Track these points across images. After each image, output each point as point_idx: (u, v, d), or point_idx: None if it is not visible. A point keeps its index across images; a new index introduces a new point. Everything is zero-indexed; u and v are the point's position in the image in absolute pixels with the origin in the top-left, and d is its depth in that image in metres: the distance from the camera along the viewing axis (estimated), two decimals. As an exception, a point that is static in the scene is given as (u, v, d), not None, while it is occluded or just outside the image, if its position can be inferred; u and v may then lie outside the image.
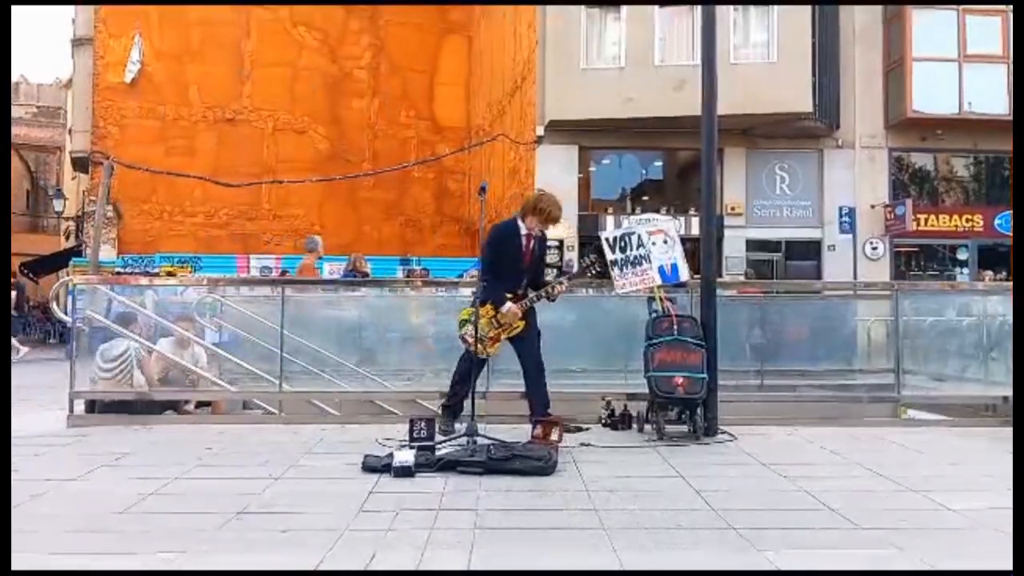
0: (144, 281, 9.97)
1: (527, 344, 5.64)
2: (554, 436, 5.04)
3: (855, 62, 16.82)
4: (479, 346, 5.36)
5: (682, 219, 15.70)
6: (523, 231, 5.66)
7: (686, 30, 15.25)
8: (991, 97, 15.80)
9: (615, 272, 6.18)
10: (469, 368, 5.46)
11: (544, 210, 5.65)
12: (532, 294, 5.64)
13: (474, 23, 23.28)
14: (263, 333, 7.80)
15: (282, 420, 6.38)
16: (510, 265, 5.59)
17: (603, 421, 6.07)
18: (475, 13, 23.02)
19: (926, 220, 16.80)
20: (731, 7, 15.17)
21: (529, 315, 5.66)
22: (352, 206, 22.75)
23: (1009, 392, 6.20)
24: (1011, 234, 16.04)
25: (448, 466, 4.43)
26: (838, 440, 5.53)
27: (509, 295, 5.59)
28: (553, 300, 5.76)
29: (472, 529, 3.37)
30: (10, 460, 4.50)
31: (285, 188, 20.86)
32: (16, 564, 2.85)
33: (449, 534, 3.30)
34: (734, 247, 16.53)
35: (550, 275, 6.88)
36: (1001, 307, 7.47)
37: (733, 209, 16.59)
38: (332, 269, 17.54)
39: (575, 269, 6.18)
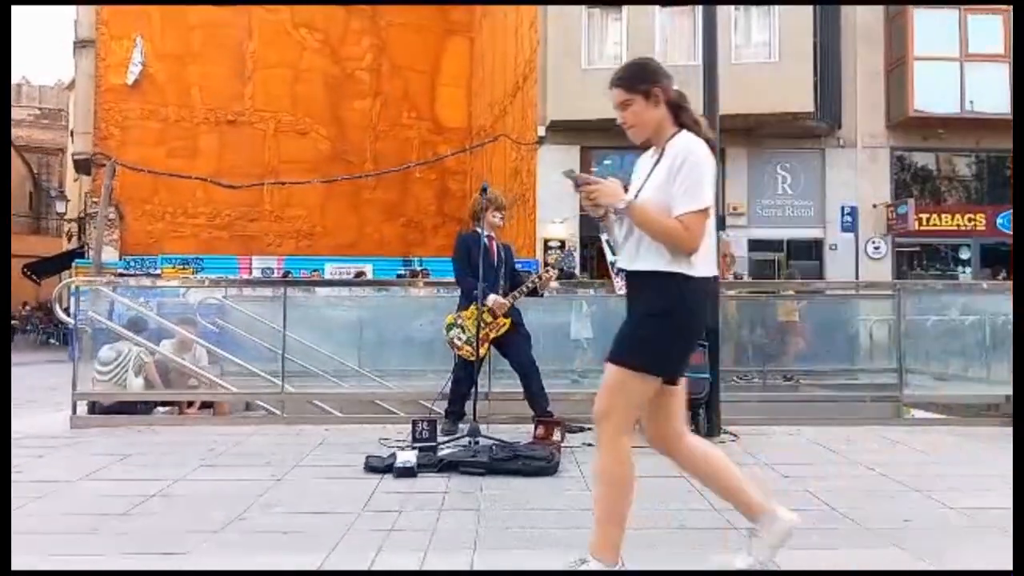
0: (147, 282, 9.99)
1: (516, 344, 5.65)
2: (556, 436, 5.05)
3: (857, 61, 16.79)
4: (468, 348, 5.44)
5: (683, 219, 15.67)
6: (484, 234, 5.72)
7: (687, 30, 15.24)
8: (993, 96, 15.75)
9: (614, 273, 6.19)
10: (463, 373, 5.50)
11: (494, 199, 5.83)
12: (514, 291, 5.69)
13: (475, 24, 23.29)
14: (264, 334, 7.81)
15: (284, 421, 6.38)
16: (483, 267, 5.61)
17: (605, 421, 6.05)
18: (476, 13, 23.04)
19: (928, 219, 16.77)
20: (732, 7, 15.15)
21: (514, 314, 5.68)
22: (354, 207, 22.79)
23: (1011, 391, 6.19)
24: (1012, 233, 16.03)
25: (450, 466, 4.43)
26: (840, 440, 5.52)
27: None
28: (541, 294, 5.83)
29: (475, 529, 3.37)
30: (10, 460, 4.52)
31: (287, 189, 20.91)
32: (16, 564, 2.85)
33: (452, 534, 3.30)
34: (736, 247, 16.50)
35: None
36: (1003, 306, 7.46)
37: (735, 209, 16.56)
38: (332, 271, 17.62)
39: (572, 265, 6.26)
